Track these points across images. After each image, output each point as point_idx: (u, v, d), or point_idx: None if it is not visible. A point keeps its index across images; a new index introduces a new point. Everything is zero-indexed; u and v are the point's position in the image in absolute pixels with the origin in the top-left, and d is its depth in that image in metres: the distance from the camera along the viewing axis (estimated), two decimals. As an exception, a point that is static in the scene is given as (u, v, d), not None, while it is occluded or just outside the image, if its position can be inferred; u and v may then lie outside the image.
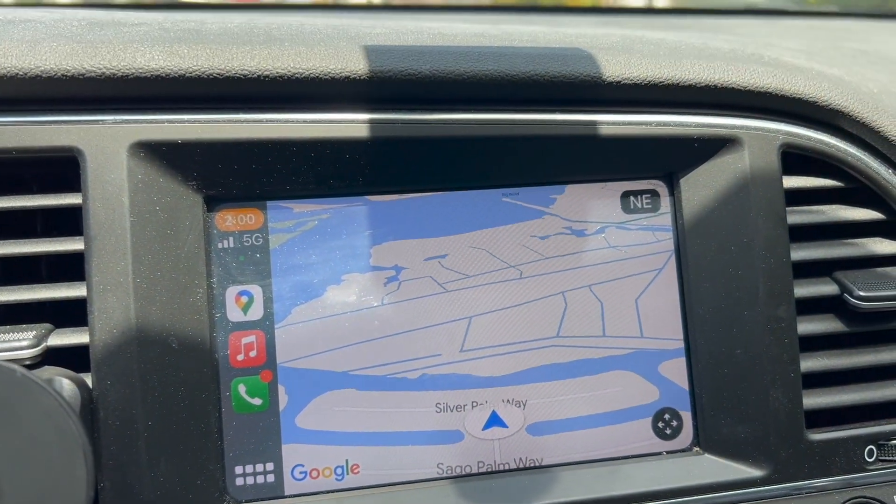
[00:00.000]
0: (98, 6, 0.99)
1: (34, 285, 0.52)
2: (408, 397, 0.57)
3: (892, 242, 0.63)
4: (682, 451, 0.60)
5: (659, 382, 0.60)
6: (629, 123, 0.59)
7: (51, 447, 0.39)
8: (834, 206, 0.63)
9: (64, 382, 0.49)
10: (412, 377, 0.57)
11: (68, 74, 0.51)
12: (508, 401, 0.58)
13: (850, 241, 0.63)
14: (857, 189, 0.63)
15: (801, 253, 0.61)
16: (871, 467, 0.60)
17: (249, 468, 0.55)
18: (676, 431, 0.60)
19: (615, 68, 0.58)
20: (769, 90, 0.60)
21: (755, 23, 1.45)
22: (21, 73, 0.50)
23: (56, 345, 0.51)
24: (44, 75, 0.50)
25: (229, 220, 0.56)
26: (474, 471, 0.58)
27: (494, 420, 0.58)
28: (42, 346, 0.50)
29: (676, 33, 1.00)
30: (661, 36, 0.77)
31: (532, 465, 0.58)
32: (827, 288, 0.61)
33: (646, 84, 0.58)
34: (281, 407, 0.56)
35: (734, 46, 0.76)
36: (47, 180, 0.55)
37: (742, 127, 0.60)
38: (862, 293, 0.60)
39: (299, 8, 1.04)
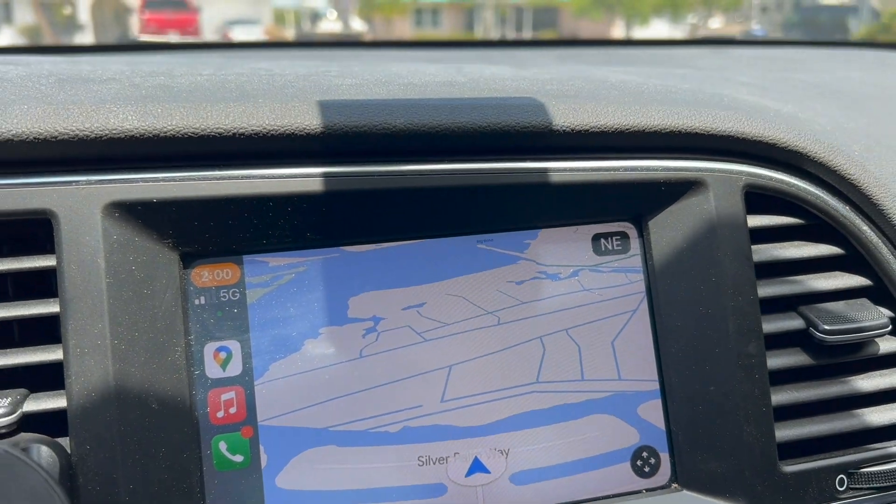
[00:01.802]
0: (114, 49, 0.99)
1: (7, 350, 0.51)
2: (389, 452, 0.57)
3: (853, 276, 0.65)
4: (661, 487, 0.61)
5: (638, 424, 0.61)
6: (597, 169, 0.60)
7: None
8: (796, 243, 0.65)
9: (42, 450, 0.49)
10: (393, 430, 0.57)
11: (40, 137, 0.50)
12: (491, 450, 0.59)
13: (813, 275, 0.65)
14: (818, 226, 0.65)
15: (767, 289, 0.63)
16: (843, 496, 0.62)
17: (232, 527, 0.55)
18: (654, 469, 0.61)
19: (583, 117, 0.59)
20: (731, 134, 0.62)
21: (706, 52, 1.49)
22: None
23: (32, 410, 0.50)
24: (15, 139, 0.50)
25: (206, 276, 0.56)
26: None
27: (477, 466, 0.58)
28: (18, 412, 0.49)
29: (637, 68, 1.03)
30: (622, 77, 0.79)
31: None
32: (793, 323, 0.63)
33: (613, 131, 0.60)
34: (262, 465, 0.55)
35: (694, 86, 0.78)
36: (18, 243, 0.54)
37: (706, 169, 0.62)
38: (827, 326, 0.62)
39: (267, 46, 1.05)
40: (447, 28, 33.62)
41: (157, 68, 0.73)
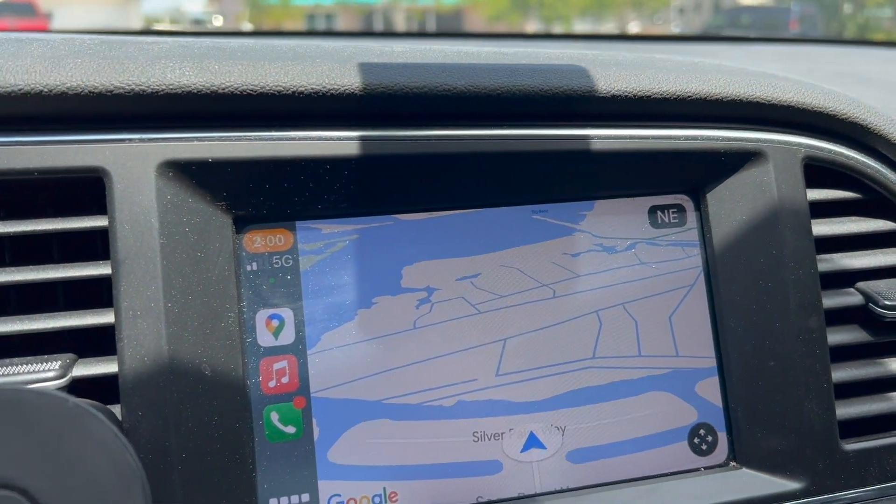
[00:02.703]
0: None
1: (58, 313, 0.50)
2: (444, 426, 0.55)
3: (912, 252, 0.64)
4: (719, 466, 0.60)
5: (695, 402, 0.59)
6: (655, 138, 0.59)
7: (107, 480, 0.37)
8: (855, 218, 0.64)
9: (94, 415, 0.47)
10: (448, 404, 0.56)
11: (95, 91, 0.49)
12: (547, 426, 0.57)
13: (871, 251, 0.63)
14: (876, 200, 0.64)
15: (826, 265, 0.61)
16: None
17: (284, 500, 0.53)
18: (712, 447, 0.60)
19: (643, 83, 0.58)
20: (792, 104, 0.60)
21: (725, 49, 1.49)
22: (45, 90, 0.48)
23: (82, 375, 0.48)
24: (70, 92, 0.48)
25: (258, 241, 0.54)
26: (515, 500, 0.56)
27: (533, 442, 0.57)
28: (68, 376, 0.48)
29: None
30: (676, 58, 0.78)
31: (572, 488, 0.57)
32: (853, 298, 0.62)
33: (674, 98, 0.58)
34: (315, 437, 0.54)
35: (740, 66, 0.77)
36: (66, 203, 0.52)
37: (766, 140, 0.60)
38: (887, 302, 0.60)
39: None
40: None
41: (202, 41, 0.72)
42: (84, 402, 0.44)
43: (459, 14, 32.14)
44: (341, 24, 31.10)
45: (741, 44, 1.65)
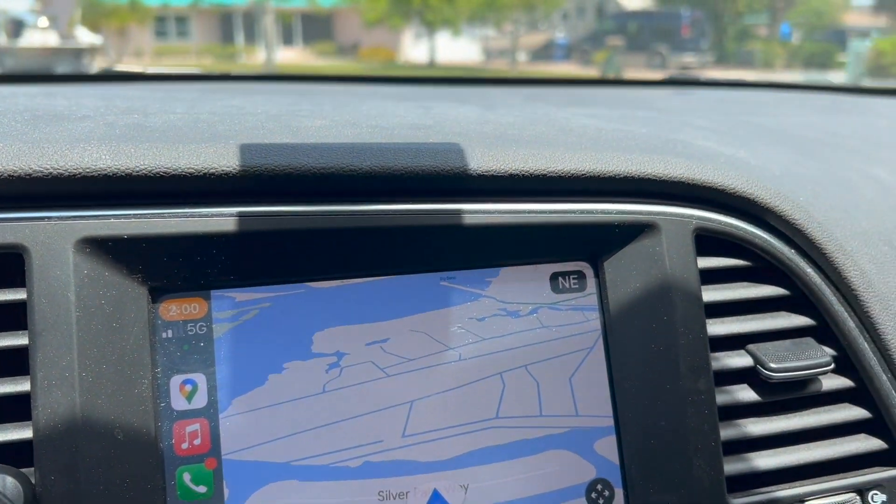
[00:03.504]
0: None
1: None
2: (350, 486, 0.58)
3: (798, 316, 0.68)
4: None
5: (594, 459, 0.63)
6: (555, 212, 0.63)
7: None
8: (745, 284, 0.68)
9: (7, 480, 0.50)
10: (354, 465, 0.59)
11: (15, 175, 0.52)
12: (451, 484, 0.60)
13: (760, 315, 0.68)
14: (765, 268, 0.68)
15: (716, 328, 0.66)
16: None
17: (194, 558, 0.55)
18: (609, 501, 0.63)
19: (541, 163, 0.62)
20: (682, 179, 0.65)
21: (669, 93, 1.54)
22: None
23: None
24: None
25: (174, 309, 0.58)
26: None
27: (437, 500, 0.60)
28: None
29: (600, 110, 1.07)
30: (584, 122, 0.82)
31: None
32: (742, 360, 0.66)
33: (569, 176, 0.62)
34: (225, 497, 0.56)
35: (651, 131, 0.82)
36: None
37: (659, 213, 0.65)
38: (773, 364, 0.64)
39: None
40: (199, 39, 28.04)
41: (132, 104, 0.75)
42: None
43: (331, 18, 29.66)
44: (195, 28, 28.39)
45: (691, 88, 1.71)
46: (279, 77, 1.44)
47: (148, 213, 0.55)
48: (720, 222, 0.66)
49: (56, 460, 0.51)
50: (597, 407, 0.64)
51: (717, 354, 0.65)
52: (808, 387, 0.67)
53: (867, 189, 0.83)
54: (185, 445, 0.56)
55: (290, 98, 0.92)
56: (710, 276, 0.67)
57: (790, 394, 0.67)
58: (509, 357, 0.63)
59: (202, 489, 0.56)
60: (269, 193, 0.58)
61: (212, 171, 0.55)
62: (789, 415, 0.67)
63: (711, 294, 0.66)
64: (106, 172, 0.53)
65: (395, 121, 0.72)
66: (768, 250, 0.67)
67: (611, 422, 0.64)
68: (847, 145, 1.04)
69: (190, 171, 0.55)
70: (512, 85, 1.54)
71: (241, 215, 0.57)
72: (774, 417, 0.66)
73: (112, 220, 0.54)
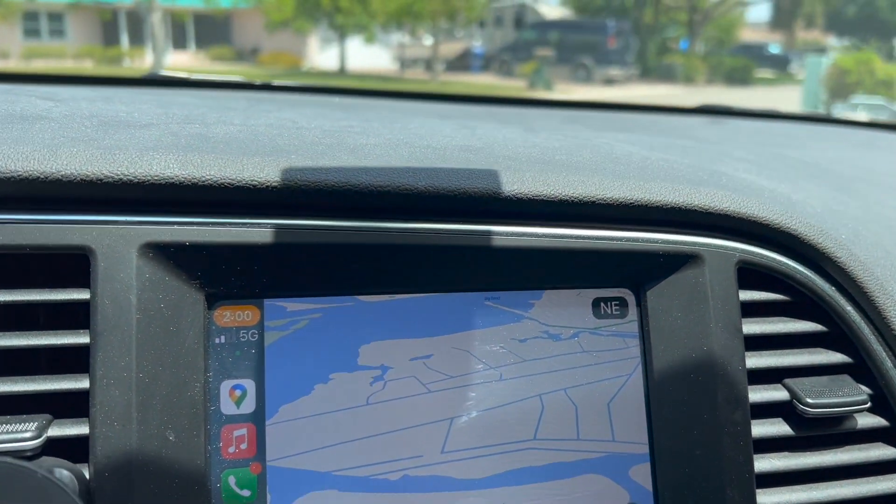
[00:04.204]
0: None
1: (37, 377, 0.54)
2: (388, 499, 0.60)
3: (836, 353, 0.69)
4: None
5: (628, 485, 0.64)
6: (602, 238, 0.64)
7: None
8: (785, 319, 0.69)
9: (63, 473, 0.51)
10: (393, 478, 0.60)
11: (87, 179, 0.54)
12: (487, 503, 0.61)
13: (799, 350, 0.68)
14: (805, 303, 0.69)
15: (754, 361, 0.66)
16: None
17: (235, 560, 0.57)
18: None
19: (590, 189, 0.63)
20: (728, 213, 0.66)
21: (705, 122, 1.55)
22: (43, 176, 0.53)
23: (56, 435, 0.53)
24: (64, 179, 0.54)
25: (227, 316, 0.59)
26: None
27: None
28: (43, 437, 0.52)
29: (639, 136, 1.08)
30: (627, 149, 0.83)
31: None
32: (779, 394, 0.66)
33: (618, 205, 0.64)
34: (268, 502, 0.58)
35: (694, 161, 0.83)
36: (52, 274, 0.57)
37: (703, 245, 0.66)
38: (810, 400, 0.65)
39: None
40: (77, 39, 25.26)
41: (189, 112, 0.78)
42: (53, 465, 0.49)
43: (228, 20, 27.48)
44: (73, 27, 25.81)
45: (725, 118, 1.71)
46: (284, 87, 1.46)
47: (209, 222, 0.57)
48: (763, 256, 0.67)
49: (110, 457, 0.53)
50: (633, 433, 0.65)
51: (754, 387, 0.66)
52: (844, 424, 0.67)
53: None
54: (231, 449, 0.58)
55: (338, 114, 0.94)
56: (751, 309, 0.67)
57: (825, 430, 0.67)
58: (549, 379, 0.64)
59: (246, 493, 0.58)
60: (326, 208, 0.59)
61: (274, 184, 0.57)
62: (823, 451, 0.67)
63: (751, 327, 0.67)
64: (173, 181, 0.55)
65: (444, 141, 0.73)
66: (809, 286, 0.68)
67: (646, 449, 0.65)
68: (884, 182, 1.04)
69: (254, 183, 0.57)
70: (510, 104, 1.54)
71: (297, 228, 0.58)
72: (809, 453, 0.67)
73: (175, 226, 0.56)
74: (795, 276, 0.68)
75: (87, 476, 0.53)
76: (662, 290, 0.66)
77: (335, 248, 0.59)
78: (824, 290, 0.68)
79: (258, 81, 1.49)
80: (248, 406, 0.59)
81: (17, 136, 0.56)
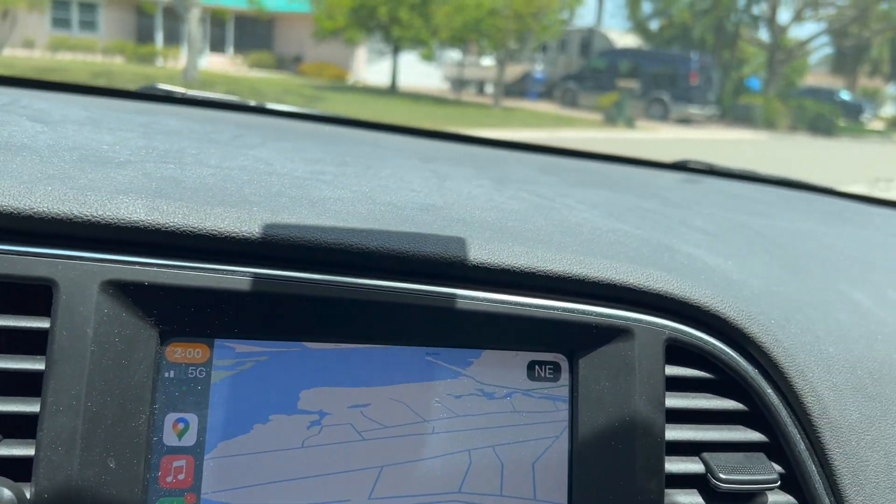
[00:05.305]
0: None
1: None
2: None
3: (753, 432, 0.73)
4: None
5: None
6: (540, 307, 0.68)
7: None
8: (708, 395, 0.73)
9: (4, 492, 0.55)
10: None
11: (58, 217, 0.58)
12: None
13: (718, 426, 0.72)
14: (728, 381, 0.73)
15: (675, 433, 0.70)
16: None
17: (162, 585, 0.60)
18: None
19: (531, 261, 0.68)
20: (660, 293, 0.70)
21: (683, 184, 1.59)
22: (16, 212, 0.57)
23: (2, 455, 0.56)
24: (35, 216, 0.57)
25: (178, 352, 0.63)
26: None
27: None
28: None
29: (607, 193, 1.12)
30: (584, 216, 0.88)
31: None
32: (694, 466, 0.70)
33: (556, 277, 0.68)
34: None
35: (644, 233, 0.87)
36: (15, 302, 0.61)
37: (634, 320, 0.70)
38: (723, 475, 0.69)
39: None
40: (109, 33, 23.93)
41: (170, 147, 0.82)
42: None
43: (271, 24, 25.81)
44: (105, 20, 24.26)
45: (698, 175, 1.74)
46: (299, 115, 1.50)
47: (169, 264, 0.61)
48: (691, 335, 0.71)
49: (51, 479, 0.56)
50: (554, 493, 0.68)
51: (672, 458, 0.70)
52: (754, 500, 0.71)
53: (843, 314, 0.88)
54: (169, 479, 0.61)
55: (316, 153, 0.98)
56: (676, 384, 0.72)
57: None
58: (479, 436, 0.68)
59: None
60: (281, 259, 0.63)
61: (233, 235, 0.61)
62: None
63: (674, 401, 0.71)
64: (138, 225, 0.59)
65: (407, 198, 0.77)
66: (733, 367, 0.72)
67: None
68: (837, 262, 1.08)
69: (214, 232, 0.60)
70: (517, 150, 1.58)
71: (252, 276, 0.62)
72: None
73: (137, 266, 0.60)
74: (721, 356, 0.72)
75: (28, 496, 0.56)
76: (593, 360, 0.70)
77: (286, 298, 0.63)
78: (747, 371, 0.73)
79: (252, 102, 1.54)
80: (190, 439, 0.62)
81: None
